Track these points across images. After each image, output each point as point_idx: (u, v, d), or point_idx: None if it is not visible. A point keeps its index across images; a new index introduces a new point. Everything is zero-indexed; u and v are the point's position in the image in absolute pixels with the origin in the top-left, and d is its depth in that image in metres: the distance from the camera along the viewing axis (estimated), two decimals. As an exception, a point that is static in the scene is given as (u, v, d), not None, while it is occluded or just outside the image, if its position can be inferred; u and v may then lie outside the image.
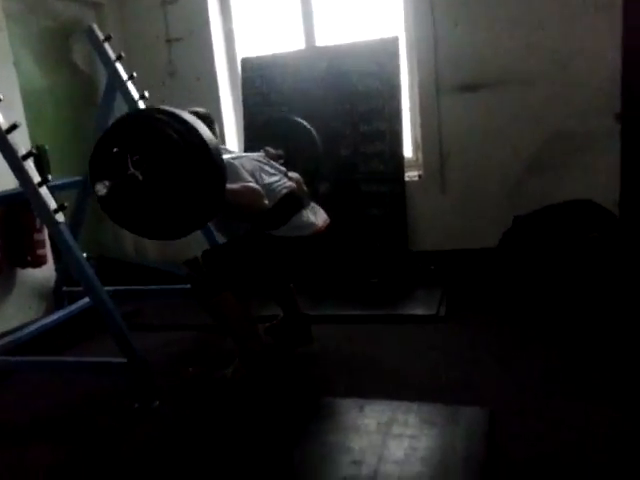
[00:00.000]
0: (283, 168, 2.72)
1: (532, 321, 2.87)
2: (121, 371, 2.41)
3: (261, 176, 2.52)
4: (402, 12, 3.76)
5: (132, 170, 2.02)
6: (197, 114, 2.40)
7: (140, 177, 2.01)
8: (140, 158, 2.02)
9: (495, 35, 3.46)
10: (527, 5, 3.37)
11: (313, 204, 2.68)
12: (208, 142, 2.09)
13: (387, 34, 3.74)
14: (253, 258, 2.48)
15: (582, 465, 1.80)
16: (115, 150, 2.05)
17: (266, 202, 2.42)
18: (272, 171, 2.61)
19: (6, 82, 3.18)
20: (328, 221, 2.67)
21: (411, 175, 3.80)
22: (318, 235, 2.58)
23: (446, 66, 3.59)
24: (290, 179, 2.67)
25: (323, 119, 3.76)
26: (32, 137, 3.35)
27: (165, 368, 2.71)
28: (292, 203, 2.55)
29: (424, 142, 3.76)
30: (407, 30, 3.76)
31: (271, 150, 2.87)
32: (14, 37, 3.39)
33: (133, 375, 2.38)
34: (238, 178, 2.39)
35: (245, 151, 3.37)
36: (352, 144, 3.78)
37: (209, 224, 2.94)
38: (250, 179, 2.44)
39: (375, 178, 3.74)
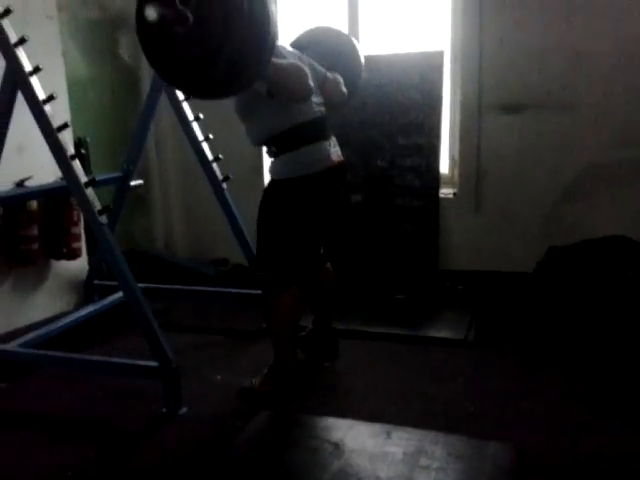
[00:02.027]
0: (323, 69, 2.60)
1: (563, 355, 2.84)
2: (152, 375, 2.43)
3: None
4: (449, 26, 3.73)
5: (181, 7, 1.86)
6: None
7: (190, 17, 1.87)
8: None
9: (541, 57, 3.42)
10: (575, 30, 3.32)
11: (333, 138, 2.58)
12: (270, 8, 1.95)
13: (432, 47, 3.72)
14: (291, 221, 2.44)
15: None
16: None
17: (311, 83, 2.33)
18: (312, 78, 2.42)
19: (54, 72, 3.21)
20: (342, 158, 2.59)
21: (446, 192, 3.77)
22: (332, 170, 2.51)
23: (490, 84, 3.55)
24: (328, 80, 2.58)
25: (361, 128, 3.76)
26: (74, 128, 3.38)
27: (193, 372, 2.72)
28: (316, 130, 2.47)
29: (461, 160, 3.73)
30: (453, 45, 3.73)
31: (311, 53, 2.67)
32: (63, 27, 3.42)
33: (164, 380, 2.40)
34: (282, 58, 2.32)
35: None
36: (389, 156, 3.76)
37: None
38: (297, 62, 2.38)
39: (409, 192, 3.72)
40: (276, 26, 2.00)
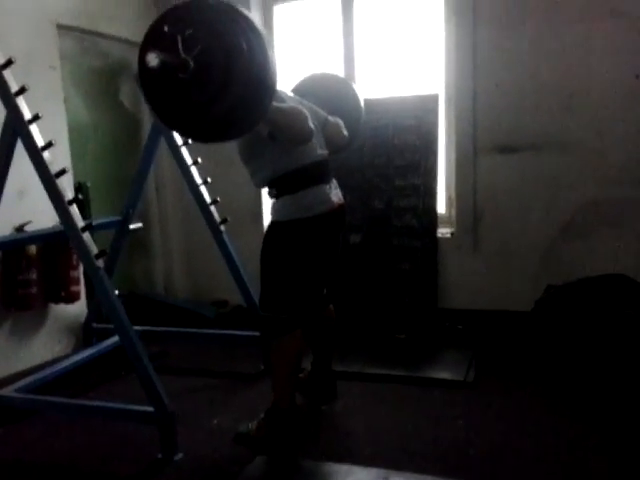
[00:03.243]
0: (324, 113, 2.64)
1: (563, 394, 2.82)
2: (147, 420, 2.42)
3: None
4: (443, 69, 3.80)
5: (184, 55, 1.90)
6: None
7: (192, 64, 1.90)
8: (193, 39, 1.90)
9: (535, 99, 3.47)
10: (568, 71, 3.38)
11: (334, 180, 2.61)
12: (270, 53, 1.99)
13: (427, 90, 3.79)
14: (293, 263, 2.45)
15: None
16: (167, 29, 1.93)
17: (311, 125, 2.36)
18: (313, 121, 2.46)
19: (56, 119, 3.29)
20: (342, 201, 2.60)
21: (443, 232, 3.79)
22: (332, 214, 2.52)
23: (484, 126, 3.60)
24: (329, 124, 2.62)
25: (359, 170, 3.81)
26: (74, 173, 3.44)
27: (190, 417, 2.70)
28: (317, 173, 2.49)
29: (458, 200, 3.76)
30: (447, 87, 3.79)
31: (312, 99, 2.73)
32: (65, 75, 3.51)
33: (159, 425, 2.38)
34: (283, 102, 2.36)
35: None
36: (386, 197, 3.80)
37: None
38: (297, 105, 2.40)
39: (408, 232, 3.75)
40: (276, 71, 2.05)
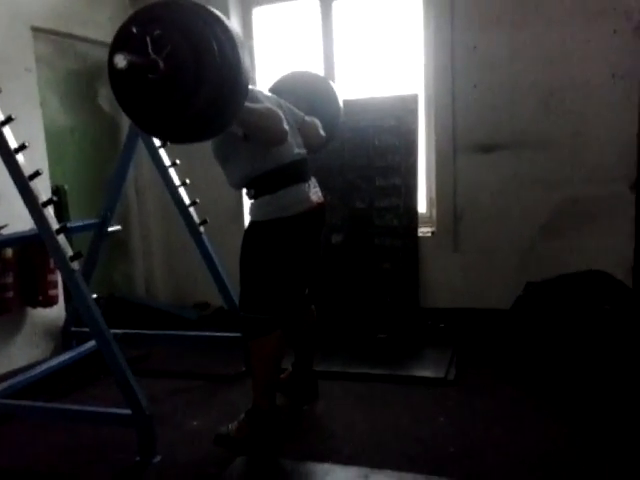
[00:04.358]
0: (301, 113, 2.63)
1: (543, 390, 2.83)
2: (125, 423, 2.40)
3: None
4: (422, 70, 3.82)
5: (153, 55, 1.87)
6: None
7: (161, 65, 1.88)
8: (162, 39, 1.88)
9: (513, 98, 3.49)
10: (546, 70, 3.41)
11: (313, 179, 2.59)
12: (241, 52, 1.96)
13: (406, 91, 3.81)
14: (273, 263, 2.44)
15: None
16: (135, 30, 1.90)
17: (286, 127, 2.35)
18: (290, 120, 2.48)
19: (32, 122, 3.26)
20: (322, 200, 2.59)
21: (424, 231, 3.81)
22: (312, 212, 2.51)
23: (463, 126, 3.62)
24: (306, 124, 2.62)
25: (340, 172, 3.81)
26: (52, 176, 3.41)
27: (170, 419, 2.68)
28: (296, 172, 2.48)
29: (438, 199, 3.77)
30: (426, 88, 3.81)
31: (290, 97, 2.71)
32: (42, 78, 3.48)
33: (137, 428, 2.36)
34: (258, 102, 2.34)
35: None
36: (367, 197, 3.80)
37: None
38: (270, 105, 2.39)
39: (389, 232, 3.75)
40: (248, 71, 2.03)
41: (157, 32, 1.89)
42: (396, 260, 3.72)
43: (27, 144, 2.39)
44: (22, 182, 2.35)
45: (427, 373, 3.08)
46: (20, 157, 2.38)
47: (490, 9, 3.46)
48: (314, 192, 2.56)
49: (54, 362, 3.05)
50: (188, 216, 3.21)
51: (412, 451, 2.37)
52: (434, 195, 3.82)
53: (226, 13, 4.02)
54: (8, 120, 2.37)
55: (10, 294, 3.03)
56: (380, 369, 3.16)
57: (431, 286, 3.73)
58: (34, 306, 3.23)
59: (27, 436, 2.66)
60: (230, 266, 2.90)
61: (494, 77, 3.52)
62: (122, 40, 1.96)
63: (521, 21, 3.41)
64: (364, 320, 3.69)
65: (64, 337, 3.39)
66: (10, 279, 3.02)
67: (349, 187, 3.81)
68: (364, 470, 2.21)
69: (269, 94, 2.61)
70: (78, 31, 3.67)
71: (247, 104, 2.15)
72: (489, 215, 3.62)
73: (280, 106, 2.50)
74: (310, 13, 4.05)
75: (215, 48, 1.91)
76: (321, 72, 4.01)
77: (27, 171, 2.37)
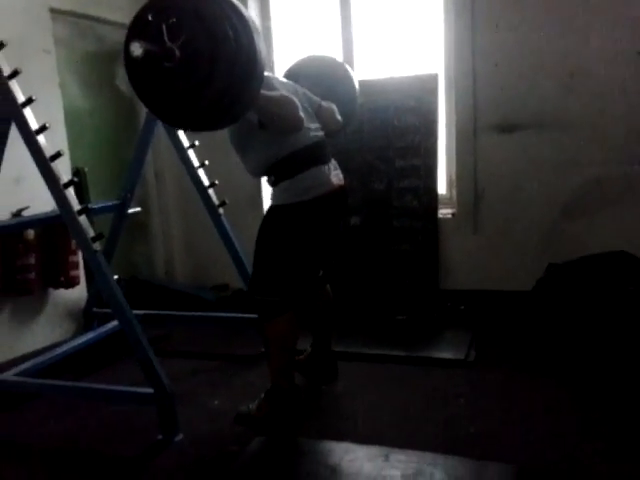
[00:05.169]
0: (318, 98, 2.61)
1: (564, 373, 2.81)
2: (147, 402, 2.42)
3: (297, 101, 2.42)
4: (443, 49, 3.76)
5: (169, 43, 1.88)
6: None
7: (177, 53, 1.88)
8: (177, 27, 1.88)
9: (534, 77, 3.44)
10: (569, 49, 3.34)
11: (333, 161, 2.57)
12: (257, 41, 1.97)
13: (426, 70, 3.76)
14: (289, 246, 2.43)
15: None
16: (151, 17, 1.90)
17: (301, 114, 2.35)
18: (305, 106, 2.47)
19: (51, 104, 3.27)
20: (342, 182, 2.56)
21: (444, 212, 3.77)
22: (333, 195, 2.48)
23: (484, 106, 3.57)
24: (322, 109, 2.59)
25: (358, 152, 3.78)
26: (72, 158, 3.43)
27: (191, 398, 2.71)
28: (315, 154, 2.46)
29: (459, 180, 3.73)
30: (447, 68, 3.76)
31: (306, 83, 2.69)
32: (60, 59, 3.48)
33: (159, 406, 2.38)
34: (273, 90, 2.33)
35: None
36: (386, 178, 3.77)
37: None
38: (286, 93, 2.38)
39: (408, 214, 3.73)
40: (263, 57, 2.02)
41: (173, 20, 1.88)
42: (415, 242, 3.69)
43: (48, 125, 2.40)
44: (44, 163, 2.37)
45: (447, 355, 3.06)
46: (41, 138, 2.39)
47: (511, -14, 3.39)
48: (334, 174, 2.53)
49: (76, 342, 3.09)
50: (207, 197, 3.21)
51: (432, 431, 2.37)
52: (454, 176, 3.78)
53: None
54: (29, 101, 2.38)
55: (32, 275, 3.06)
56: (399, 350, 3.16)
57: (451, 268, 3.71)
58: (56, 287, 3.27)
59: (49, 415, 2.70)
60: (249, 250, 2.91)
61: (515, 56, 3.45)
62: (138, 28, 1.96)
63: (544, -1, 3.35)
64: (383, 302, 3.68)
65: (86, 318, 3.43)
66: (32, 260, 3.05)
67: (368, 168, 3.78)
68: (384, 449, 2.21)
69: (285, 80, 2.60)
70: (96, 12, 3.66)
71: (263, 92, 2.14)
72: (510, 196, 3.58)
73: (296, 92, 2.48)
74: (328, -7, 4.00)
75: (230, 34, 1.90)
76: (339, 52, 3.98)
77: (48, 152, 2.39)
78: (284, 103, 2.32)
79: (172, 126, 2.89)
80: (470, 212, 3.68)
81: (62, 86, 3.45)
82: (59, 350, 2.97)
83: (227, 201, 3.27)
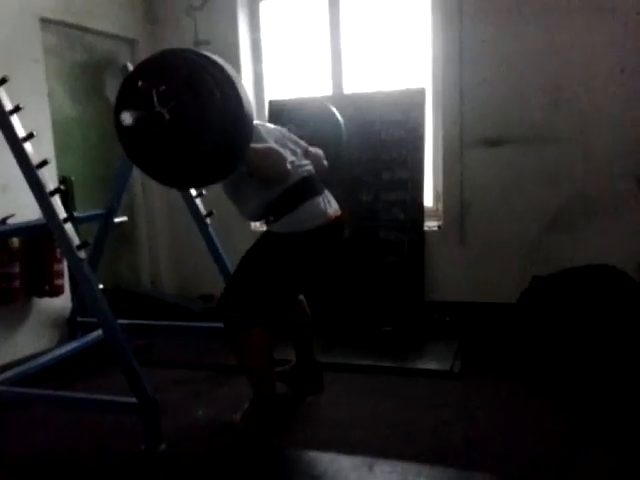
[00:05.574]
0: (304, 143, 2.65)
1: (549, 385, 2.82)
2: (130, 411, 2.40)
3: (284, 151, 2.45)
4: (430, 64, 3.81)
5: (158, 108, 1.93)
6: None
7: (167, 116, 1.94)
8: (167, 94, 1.94)
9: (521, 92, 3.49)
10: (555, 65, 3.40)
11: (327, 192, 2.59)
12: (243, 97, 2.04)
13: (414, 84, 3.80)
14: (273, 272, 2.43)
15: None
16: (141, 84, 1.97)
17: (288, 166, 2.37)
18: (293, 147, 2.54)
19: (39, 113, 3.27)
20: (339, 212, 2.57)
21: (430, 225, 3.80)
22: (329, 227, 2.50)
23: (471, 120, 3.61)
24: (310, 155, 2.63)
25: (346, 165, 3.80)
26: (59, 167, 3.42)
27: (174, 408, 2.69)
28: (308, 187, 2.48)
29: (445, 193, 3.77)
30: (434, 82, 3.80)
31: (293, 127, 2.77)
32: (50, 69, 3.48)
33: (142, 416, 2.37)
34: (262, 141, 2.36)
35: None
36: (374, 191, 3.80)
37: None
38: (274, 144, 2.41)
39: (394, 226, 3.75)
40: (251, 117, 2.10)
41: (161, 87, 1.94)
42: (402, 253, 3.71)
43: (35, 134, 2.39)
44: (30, 171, 2.36)
45: (432, 366, 3.07)
46: (28, 146, 2.39)
47: (500, 2, 3.44)
48: (330, 205, 2.55)
49: (60, 351, 3.06)
50: (194, 207, 3.21)
51: (416, 442, 2.37)
52: (441, 189, 3.81)
53: (234, 7, 4.03)
54: (16, 109, 2.38)
55: (16, 284, 3.03)
56: (385, 361, 3.16)
57: (437, 279, 3.73)
58: (40, 296, 3.24)
59: (32, 424, 2.67)
60: (235, 260, 2.90)
61: (503, 71, 3.50)
62: (128, 95, 2.04)
63: (531, 15, 3.40)
64: (370, 313, 3.68)
65: (70, 327, 3.39)
66: (16, 269, 3.02)
67: (355, 180, 3.81)
68: (368, 459, 2.22)
69: (271, 126, 2.65)
70: (86, 23, 3.67)
71: (251, 145, 2.20)
72: (496, 209, 3.61)
73: (283, 136, 2.54)
74: (317, 6, 4.04)
75: (218, 98, 1.96)
76: (328, 66, 4.02)
77: (35, 160, 2.39)
78: (270, 155, 2.36)
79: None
80: (456, 225, 3.71)
81: (51, 95, 3.45)
82: (42, 359, 2.94)
83: (214, 211, 3.27)
